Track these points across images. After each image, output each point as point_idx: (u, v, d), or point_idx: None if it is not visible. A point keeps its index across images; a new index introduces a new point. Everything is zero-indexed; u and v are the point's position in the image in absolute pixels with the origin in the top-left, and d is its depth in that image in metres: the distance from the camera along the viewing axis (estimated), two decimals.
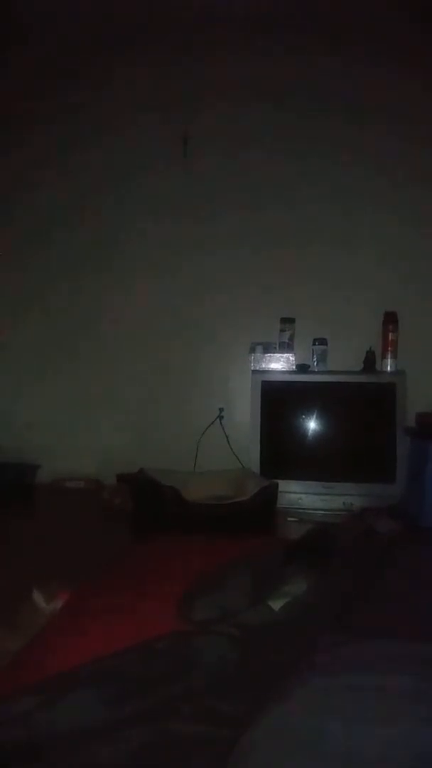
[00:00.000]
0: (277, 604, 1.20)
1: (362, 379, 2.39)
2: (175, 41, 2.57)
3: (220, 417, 2.58)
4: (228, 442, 2.55)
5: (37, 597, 1.34)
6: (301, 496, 2.29)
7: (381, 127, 2.49)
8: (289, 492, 2.27)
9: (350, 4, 2.49)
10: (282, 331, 2.50)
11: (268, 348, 2.51)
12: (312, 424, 2.38)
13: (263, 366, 2.48)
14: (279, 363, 2.49)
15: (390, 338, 2.40)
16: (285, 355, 2.49)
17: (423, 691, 0.68)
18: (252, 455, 2.36)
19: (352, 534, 1.72)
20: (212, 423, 2.57)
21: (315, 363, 2.46)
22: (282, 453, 2.39)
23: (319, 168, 2.56)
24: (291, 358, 2.49)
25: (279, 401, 2.40)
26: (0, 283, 2.76)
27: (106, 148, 2.66)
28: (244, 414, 2.42)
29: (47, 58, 2.65)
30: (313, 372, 2.45)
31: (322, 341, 2.47)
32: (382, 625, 1.03)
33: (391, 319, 2.41)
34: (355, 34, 2.48)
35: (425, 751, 0.62)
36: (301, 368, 2.45)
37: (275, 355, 2.49)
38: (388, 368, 2.39)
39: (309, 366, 2.46)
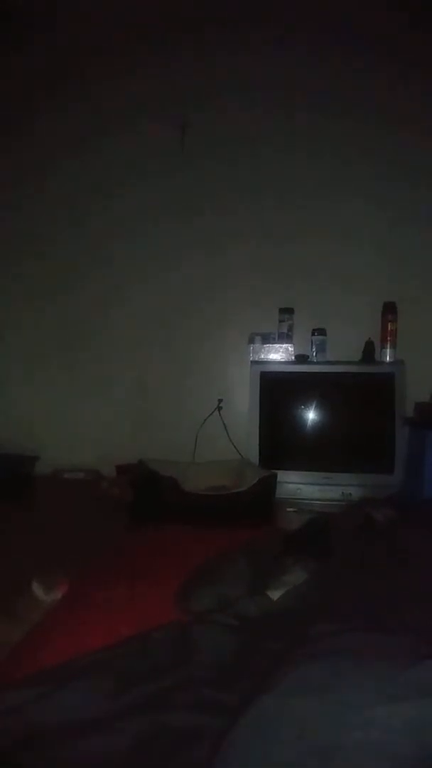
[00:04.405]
0: (275, 594, 1.20)
1: (361, 369, 2.38)
2: (176, 37, 2.54)
3: (219, 407, 2.57)
4: (227, 432, 2.55)
5: (37, 588, 1.34)
6: (300, 486, 2.29)
7: (381, 121, 2.47)
8: (288, 482, 2.27)
9: (350, 3, 2.46)
10: (281, 321, 2.49)
11: (267, 338, 2.50)
12: (311, 415, 2.37)
13: (262, 356, 2.48)
14: (278, 353, 2.48)
15: (389, 328, 2.39)
16: (284, 345, 2.48)
17: (413, 677, 0.69)
18: (251, 446, 2.36)
19: (350, 523, 1.73)
20: (211, 413, 2.57)
21: (314, 353, 2.45)
22: (281, 443, 2.39)
23: (318, 160, 2.54)
24: (290, 349, 2.48)
25: (278, 392, 2.39)
26: (0, 276, 2.75)
27: (105, 146, 2.64)
28: (243, 404, 2.42)
29: (48, 57, 2.64)
30: (312, 362, 2.44)
31: (321, 332, 2.46)
32: (381, 614, 1.03)
33: (390, 310, 2.40)
34: (355, 31, 2.45)
35: (417, 733, 0.62)
36: (300, 359, 2.45)
37: (274, 345, 2.48)
38: (387, 358, 2.38)
39: (308, 356, 2.46)
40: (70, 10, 2.60)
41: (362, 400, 2.38)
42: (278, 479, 2.15)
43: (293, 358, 2.46)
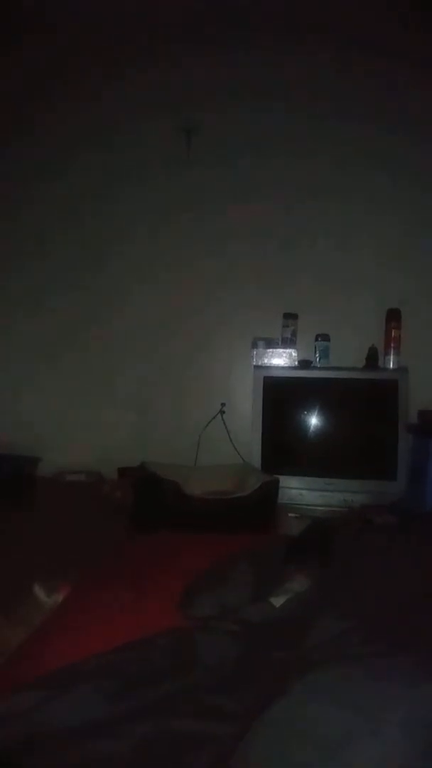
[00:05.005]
0: (278, 601, 1.20)
1: (364, 375, 2.38)
2: (177, 38, 2.55)
3: (222, 412, 2.57)
4: (229, 437, 2.55)
5: (38, 591, 1.34)
6: (302, 491, 2.29)
7: (382, 124, 2.48)
8: (290, 488, 2.26)
9: (351, 3, 2.47)
10: (285, 326, 2.50)
11: (270, 343, 2.50)
12: (313, 420, 2.37)
13: (265, 361, 2.48)
14: (281, 358, 2.48)
15: (393, 335, 2.39)
16: (287, 350, 2.48)
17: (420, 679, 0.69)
18: (253, 450, 2.36)
19: (351, 528, 1.73)
20: (214, 418, 2.57)
21: (317, 359, 2.45)
22: (283, 448, 2.39)
23: (321, 165, 2.54)
24: (293, 354, 2.48)
25: (281, 397, 2.39)
26: (1, 278, 2.75)
27: (107, 147, 2.65)
28: (246, 409, 2.42)
29: (48, 57, 2.63)
30: (315, 368, 2.44)
31: (325, 337, 2.46)
32: (382, 618, 1.03)
33: (394, 316, 2.40)
34: (359, 32, 2.46)
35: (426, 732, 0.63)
36: (304, 364, 2.45)
37: (277, 350, 2.49)
38: (391, 365, 2.38)
39: (311, 362, 2.46)
40: (70, 9, 2.59)
41: (365, 407, 2.38)
42: (280, 484, 2.15)
43: (296, 363, 2.46)
